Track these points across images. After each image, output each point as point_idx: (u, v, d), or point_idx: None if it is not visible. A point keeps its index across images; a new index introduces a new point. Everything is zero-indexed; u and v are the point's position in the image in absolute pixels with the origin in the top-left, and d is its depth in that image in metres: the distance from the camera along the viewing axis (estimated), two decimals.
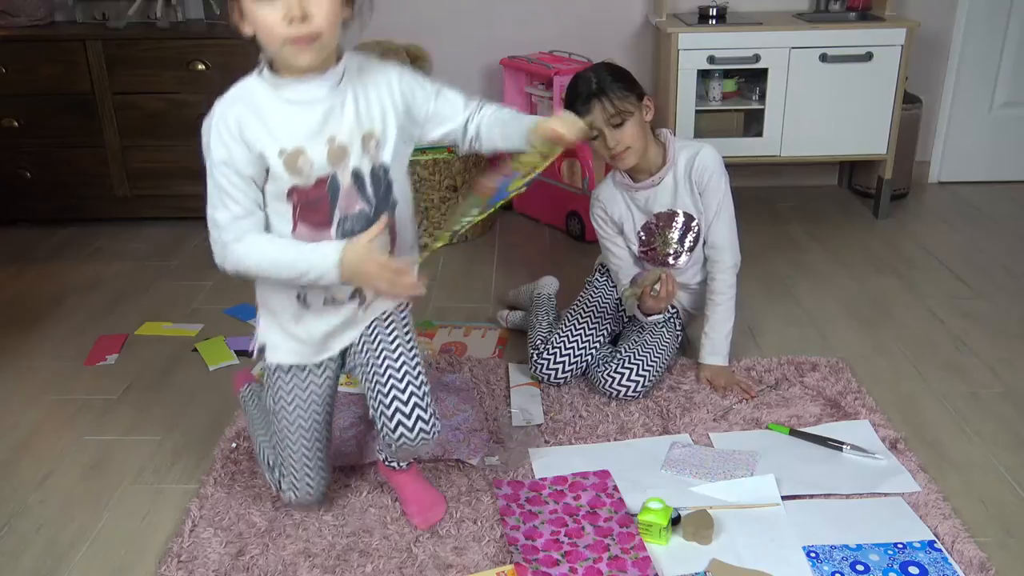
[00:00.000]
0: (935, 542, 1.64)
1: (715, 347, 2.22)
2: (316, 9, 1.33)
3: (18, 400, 2.23)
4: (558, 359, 2.19)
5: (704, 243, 2.22)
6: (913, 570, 1.58)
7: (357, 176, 1.48)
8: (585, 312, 2.28)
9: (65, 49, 3.18)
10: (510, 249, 3.18)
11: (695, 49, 3.17)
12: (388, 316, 1.64)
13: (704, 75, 3.30)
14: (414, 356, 1.61)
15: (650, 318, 2.18)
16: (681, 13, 3.43)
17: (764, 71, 3.21)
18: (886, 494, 1.78)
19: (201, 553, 1.66)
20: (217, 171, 1.43)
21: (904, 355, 2.37)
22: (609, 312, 2.31)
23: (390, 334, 1.62)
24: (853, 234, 3.27)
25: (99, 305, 2.77)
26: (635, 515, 1.70)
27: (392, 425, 1.55)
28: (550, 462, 1.92)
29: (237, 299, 2.71)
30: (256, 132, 1.41)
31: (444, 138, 1.60)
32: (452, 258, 3.09)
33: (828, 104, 3.22)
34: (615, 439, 2.00)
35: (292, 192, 1.46)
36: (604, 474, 1.85)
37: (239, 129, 1.41)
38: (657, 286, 2.08)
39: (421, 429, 1.55)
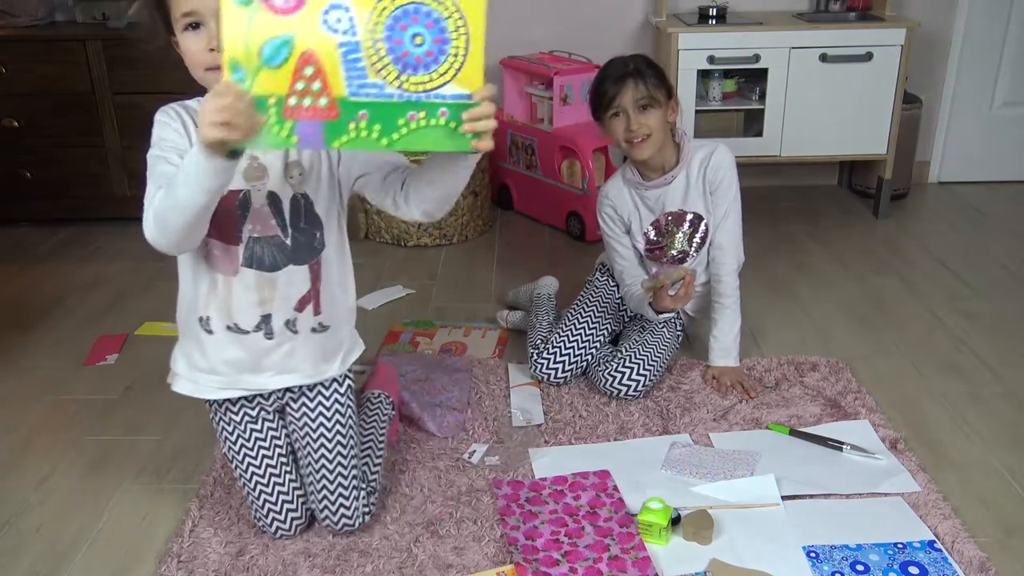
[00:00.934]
0: (935, 542, 1.64)
1: (726, 350, 2.23)
2: None
3: (18, 400, 2.23)
4: (558, 359, 2.19)
5: (710, 244, 2.22)
6: (913, 570, 1.58)
7: (273, 199, 1.47)
8: (585, 312, 2.28)
9: (65, 49, 3.18)
10: (510, 249, 3.18)
11: (695, 49, 3.17)
12: (325, 392, 1.63)
13: (704, 75, 3.30)
14: (349, 441, 1.64)
15: (660, 316, 2.17)
16: (681, 13, 3.43)
17: (764, 71, 3.21)
18: (886, 494, 1.78)
19: (201, 553, 1.66)
20: (158, 149, 1.40)
21: (904, 355, 2.36)
22: (610, 312, 2.31)
23: (315, 418, 1.63)
24: (853, 234, 3.27)
25: (99, 305, 2.77)
26: (635, 515, 1.70)
27: (321, 516, 1.67)
28: (550, 462, 1.91)
29: None
30: (188, 129, 1.42)
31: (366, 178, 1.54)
32: (452, 258, 3.09)
33: (828, 104, 3.22)
34: (615, 439, 2.00)
35: None
36: (604, 474, 1.85)
37: (178, 120, 1.43)
38: (679, 285, 2.08)
39: (344, 520, 1.66)
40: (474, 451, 1.95)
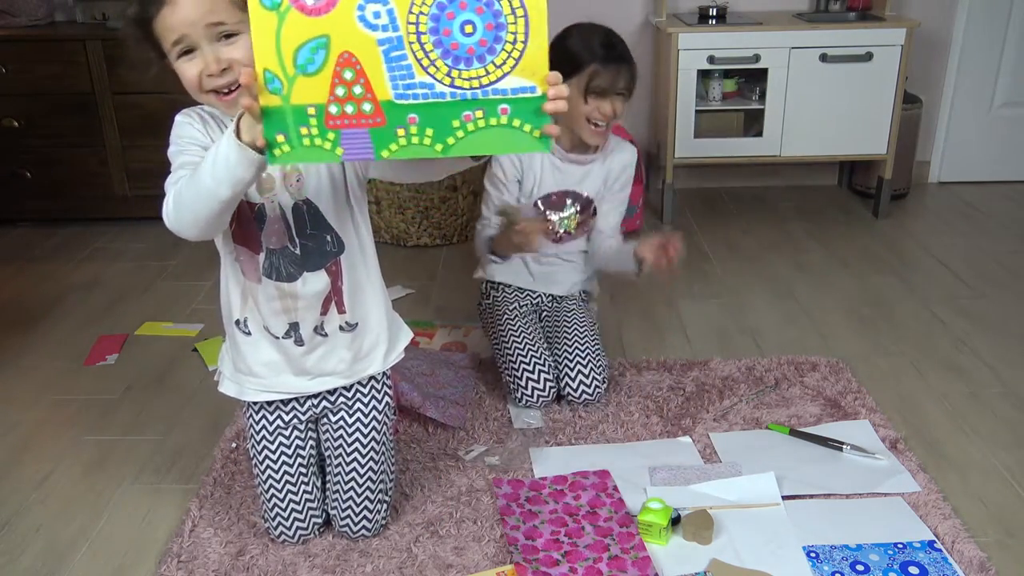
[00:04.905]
0: (935, 542, 1.64)
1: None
2: (239, 54, 1.31)
3: (18, 400, 2.22)
4: (536, 385, 2.09)
5: (590, 229, 2.22)
6: (913, 570, 1.58)
7: (283, 211, 1.45)
8: (517, 328, 2.16)
9: (65, 49, 3.18)
10: None
11: (695, 49, 3.17)
12: (364, 408, 1.62)
13: (704, 75, 3.30)
14: (382, 456, 1.64)
15: (489, 257, 2.12)
16: (681, 13, 3.43)
17: (764, 71, 3.21)
18: (886, 494, 1.78)
19: (201, 553, 1.66)
20: (177, 146, 1.38)
21: (904, 355, 2.36)
22: (530, 313, 2.25)
23: (351, 432, 1.62)
24: (853, 234, 3.27)
25: (99, 305, 2.77)
26: (635, 515, 1.70)
27: (341, 522, 1.68)
28: (550, 462, 1.91)
29: None
30: (208, 128, 1.41)
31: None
32: (452, 258, 3.09)
33: (828, 104, 3.22)
34: (615, 439, 2.00)
35: None
36: (604, 474, 1.85)
37: (199, 121, 1.41)
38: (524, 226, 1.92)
39: (364, 529, 1.68)
40: (472, 449, 1.95)
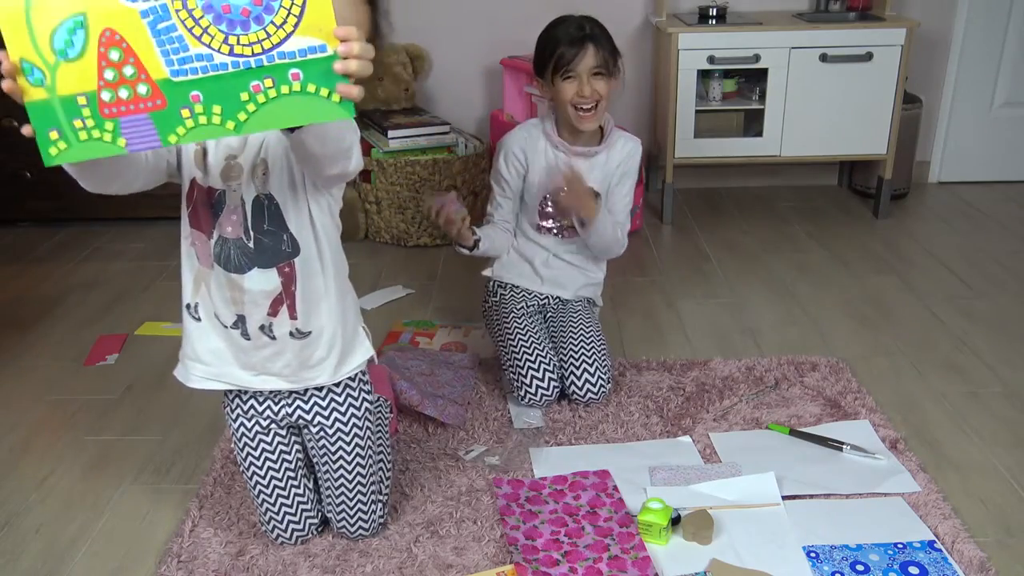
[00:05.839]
0: (935, 542, 1.64)
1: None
2: None
3: (18, 400, 2.23)
4: (539, 383, 2.08)
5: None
6: (913, 570, 1.58)
7: (244, 201, 1.44)
8: (522, 327, 2.16)
9: None
10: None
11: (695, 49, 3.17)
12: (340, 409, 1.59)
13: (704, 75, 3.30)
14: (368, 459, 1.63)
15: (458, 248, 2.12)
16: (681, 13, 3.43)
17: (764, 71, 3.21)
18: (886, 494, 1.78)
19: (201, 553, 1.66)
20: None
21: (904, 355, 2.36)
22: (536, 314, 2.25)
23: (333, 437, 1.60)
24: (853, 234, 3.27)
25: (99, 305, 2.77)
26: (635, 515, 1.70)
27: (337, 524, 1.68)
28: (550, 462, 1.92)
29: None
30: None
31: None
32: (452, 258, 3.09)
33: (828, 104, 3.22)
34: (615, 439, 2.00)
35: (193, 182, 1.45)
36: (604, 474, 1.85)
37: None
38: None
39: (361, 529, 1.68)
40: (472, 449, 1.95)
